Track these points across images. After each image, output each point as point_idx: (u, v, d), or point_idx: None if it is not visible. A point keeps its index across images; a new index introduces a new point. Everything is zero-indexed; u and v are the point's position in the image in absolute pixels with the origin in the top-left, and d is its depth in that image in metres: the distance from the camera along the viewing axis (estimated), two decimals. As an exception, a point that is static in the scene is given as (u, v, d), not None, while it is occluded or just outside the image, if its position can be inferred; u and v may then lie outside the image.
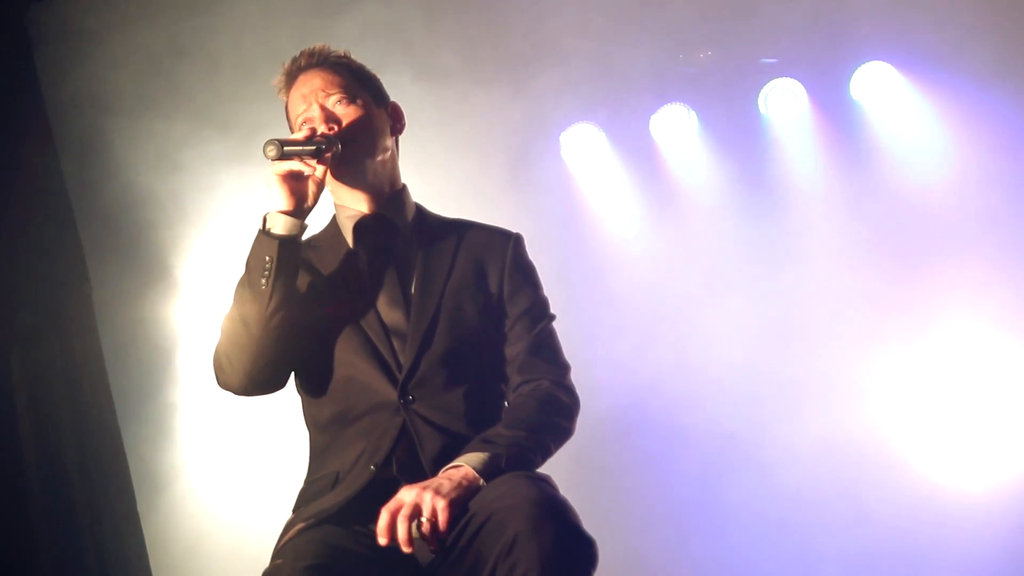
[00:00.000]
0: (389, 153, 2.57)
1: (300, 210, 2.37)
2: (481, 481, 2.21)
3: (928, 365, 4.84)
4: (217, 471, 4.91)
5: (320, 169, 2.39)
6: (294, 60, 2.56)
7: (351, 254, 2.52)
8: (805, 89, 5.03)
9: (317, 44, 2.58)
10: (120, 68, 4.64)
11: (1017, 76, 4.72)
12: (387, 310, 2.45)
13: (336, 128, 2.46)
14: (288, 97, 2.57)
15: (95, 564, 4.31)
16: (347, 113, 2.49)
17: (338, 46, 2.61)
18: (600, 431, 4.68)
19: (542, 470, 2.38)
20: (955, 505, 4.70)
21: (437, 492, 2.15)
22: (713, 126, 5.12)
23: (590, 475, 4.52)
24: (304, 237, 2.45)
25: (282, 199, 2.36)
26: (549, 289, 2.61)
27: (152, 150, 4.71)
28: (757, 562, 4.84)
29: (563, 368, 2.53)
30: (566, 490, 2.26)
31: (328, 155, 2.40)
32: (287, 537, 2.33)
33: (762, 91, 5.06)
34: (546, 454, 2.40)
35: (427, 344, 2.41)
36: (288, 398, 2.67)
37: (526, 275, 2.57)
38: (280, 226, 2.35)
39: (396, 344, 2.42)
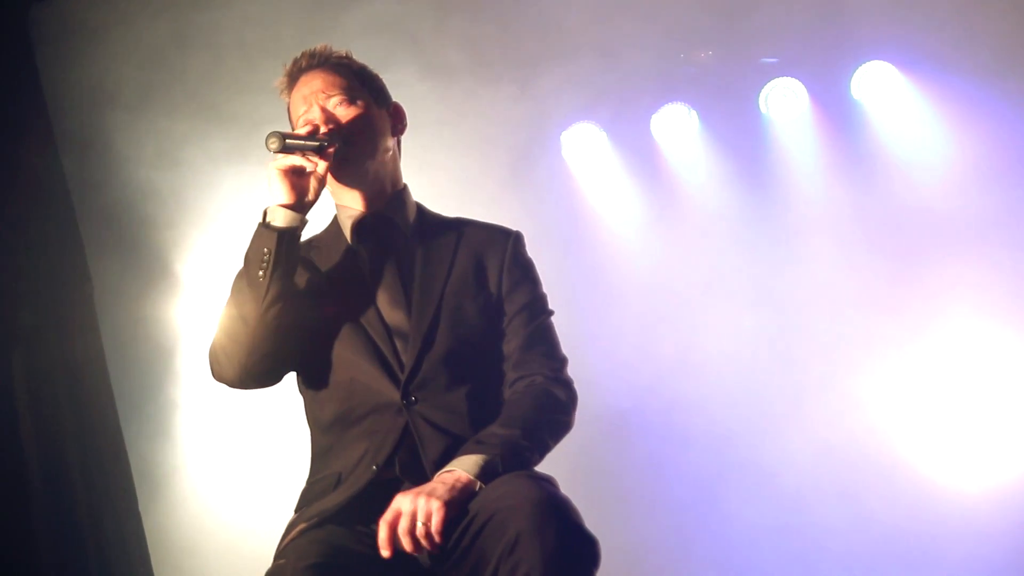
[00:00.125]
0: (390, 153, 2.57)
1: (300, 205, 2.38)
2: (477, 485, 2.21)
3: (930, 366, 4.83)
4: (218, 470, 4.91)
5: (322, 165, 2.39)
6: (295, 61, 2.56)
7: (352, 254, 2.52)
8: (806, 89, 5.03)
9: (318, 45, 2.58)
10: (121, 65, 4.64)
11: (1018, 76, 4.72)
12: (388, 310, 2.45)
13: (336, 128, 2.46)
14: (290, 98, 2.57)
15: (96, 563, 4.32)
16: (347, 114, 2.49)
17: (343, 41, 2.62)
18: (600, 432, 4.69)
19: (542, 468, 2.38)
20: (956, 507, 4.69)
21: (431, 496, 2.15)
22: (714, 126, 5.11)
23: (590, 476, 4.52)
24: (305, 237, 2.46)
25: (283, 193, 2.36)
26: (549, 288, 2.61)
27: (153, 148, 4.71)
28: (758, 563, 4.84)
29: (560, 362, 2.52)
30: (566, 490, 2.26)
31: (330, 151, 2.41)
32: (289, 537, 2.33)
33: (763, 91, 5.06)
34: (544, 450, 2.40)
35: (428, 344, 2.42)
36: (288, 397, 2.68)
37: (525, 272, 2.57)
38: (280, 219, 2.36)
39: (398, 344, 2.42)
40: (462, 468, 2.23)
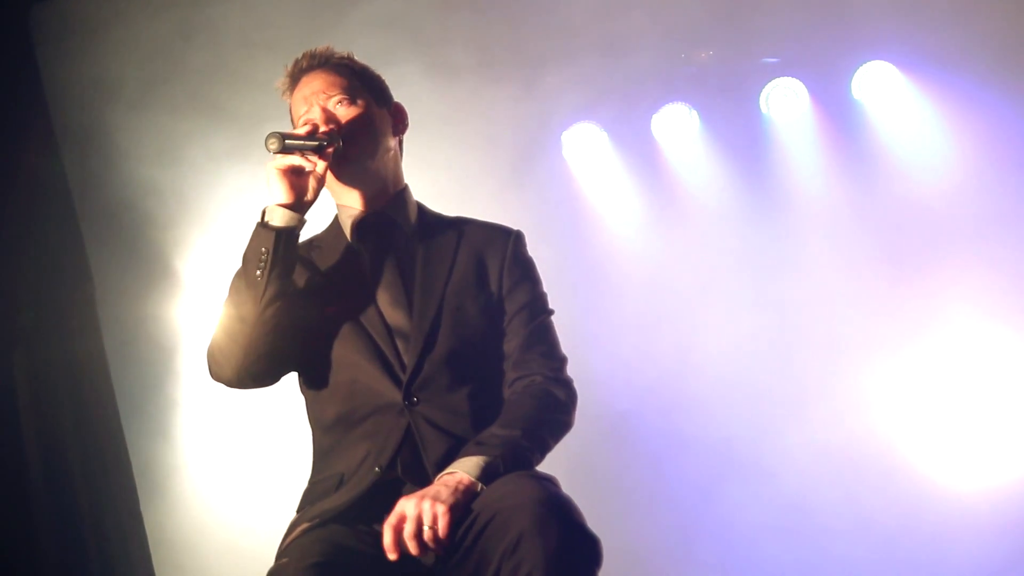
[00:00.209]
0: (391, 153, 2.57)
1: (299, 204, 2.37)
2: (479, 486, 2.21)
3: (931, 366, 4.83)
4: (219, 469, 4.91)
5: (321, 165, 2.39)
6: (296, 62, 2.57)
7: (352, 253, 2.52)
8: (807, 88, 5.03)
9: (320, 46, 2.59)
10: (123, 64, 4.63)
11: (1019, 76, 4.72)
12: (389, 310, 2.45)
13: (337, 128, 2.46)
14: (291, 99, 2.57)
15: (97, 562, 4.32)
16: (348, 114, 2.49)
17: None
18: (600, 432, 4.69)
19: (543, 468, 2.38)
20: (956, 508, 4.69)
21: (435, 500, 2.15)
22: (715, 125, 5.11)
23: (590, 476, 4.52)
24: (305, 237, 2.46)
25: (282, 193, 2.36)
26: (549, 288, 2.61)
27: (155, 146, 4.71)
28: (758, 564, 4.83)
29: (559, 361, 2.52)
30: (566, 490, 2.26)
31: (330, 151, 2.40)
32: (292, 536, 2.33)
33: (764, 90, 5.06)
34: (544, 450, 2.40)
35: (430, 345, 2.42)
36: (289, 396, 2.68)
37: (525, 271, 2.57)
38: (278, 218, 2.35)
39: (399, 345, 2.42)
40: (463, 470, 2.23)
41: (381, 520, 2.25)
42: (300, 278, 2.47)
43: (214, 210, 4.80)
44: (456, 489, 2.19)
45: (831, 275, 4.90)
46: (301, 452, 2.70)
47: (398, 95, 2.65)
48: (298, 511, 2.43)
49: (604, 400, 4.69)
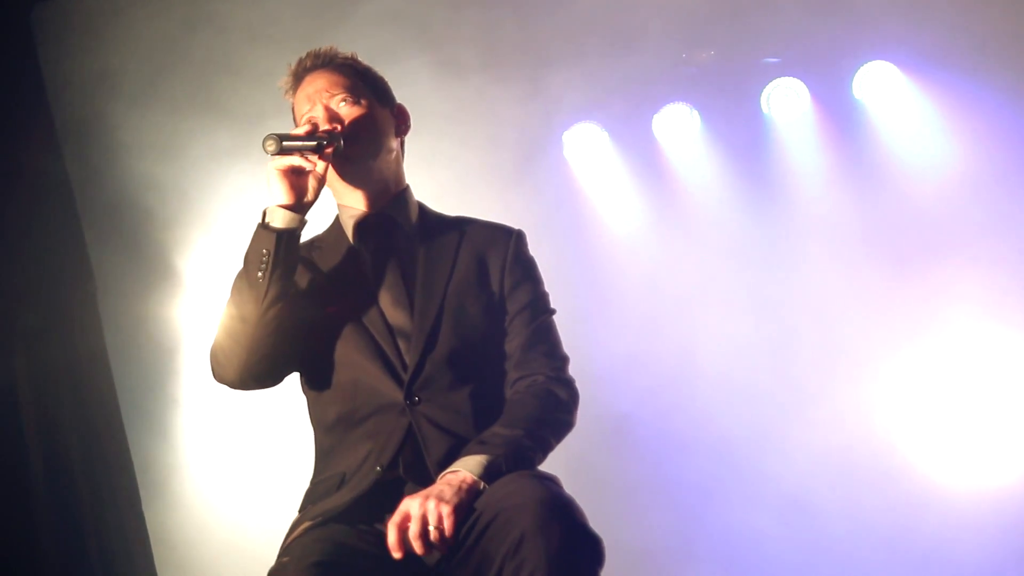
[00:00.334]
0: (393, 154, 2.58)
1: (300, 205, 2.38)
2: (481, 484, 2.21)
3: (933, 367, 4.82)
4: (221, 468, 4.92)
5: (321, 165, 2.39)
6: (300, 61, 2.58)
7: (354, 254, 2.53)
8: (808, 89, 5.03)
9: (324, 46, 2.59)
10: (124, 62, 4.62)
11: (1020, 76, 4.72)
12: (391, 310, 2.45)
13: (339, 127, 2.47)
14: (294, 98, 2.58)
15: (98, 561, 4.33)
16: (351, 113, 2.49)
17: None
18: (600, 432, 4.68)
19: (544, 468, 2.39)
20: (957, 511, 4.67)
21: (440, 499, 2.16)
22: (716, 126, 5.11)
23: (591, 477, 4.51)
24: (307, 237, 2.46)
25: (282, 193, 2.36)
26: (550, 288, 2.61)
27: (156, 145, 4.70)
28: (759, 564, 4.83)
29: (561, 361, 2.53)
30: (567, 490, 2.26)
31: (329, 150, 2.40)
32: (293, 536, 2.33)
33: (765, 91, 5.06)
34: (546, 450, 2.40)
35: (431, 345, 2.42)
36: (290, 396, 2.68)
37: (526, 270, 2.57)
38: (279, 220, 2.36)
39: (401, 344, 2.43)
40: (466, 468, 2.23)
41: (383, 519, 2.26)
42: (302, 279, 2.48)
43: (216, 209, 4.80)
44: (460, 488, 2.19)
45: (832, 275, 4.89)
46: (302, 451, 2.71)
47: (402, 92, 2.66)
48: (300, 511, 2.43)
49: (605, 400, 4.69)
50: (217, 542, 4.81)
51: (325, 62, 2.56)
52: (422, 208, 2.63)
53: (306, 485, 2.49)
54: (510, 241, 2.58)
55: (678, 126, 5.12)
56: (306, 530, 2.31)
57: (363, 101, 2.52)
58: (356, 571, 2.19)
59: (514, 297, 2.53)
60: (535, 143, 5.05)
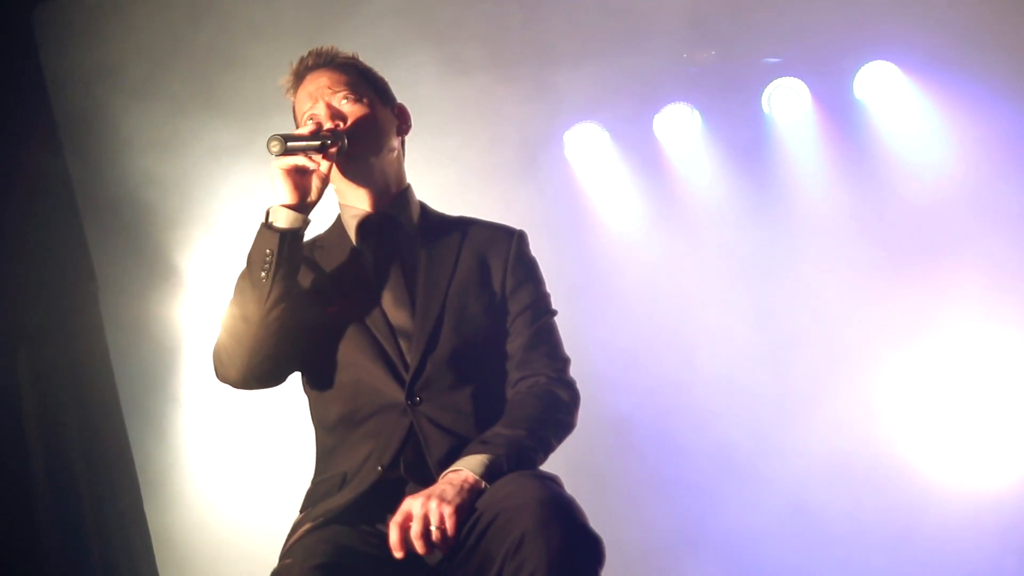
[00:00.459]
0: (395, 154, 2.58)
1: (303, 204, 2.38)
2: (483, 484, 2.22)
3: (935, 367, 4.82)
4: (222, 468, 4.92)
5: (324, 164, 2.39)
6: (302, 60, 2.58)
7: (356, 253, 2.53)
8: (808, 89, 5.03)
9: (325, 45, 2.59)
10: (126, 58, 4.61)
11: (1020, 75, 4.72)
12: (393, 310, 2.46)
13: (342, 125, 2.47)
14: (295, 96, 2.58)
15: (100, 561, 4.33)
16: (353, 111, 2.50)
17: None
18: (601, 432, 4.67)
19: (544, 468, 2.39)
20: (959, 512, 4.67)
21: (442, 499, 2.16)
22: (717, 125, 5.12)
23: (592, 477, 4.50)
24: (308, 237, 2.46)
25: (285, 193, 2.36)
26: (551, 288, 2.61)
27: (158, 145, 4.70)
28: (760, 563, 4.84)
29: (562, 362, 2.53)
30: (567, 490, 2.26)
31: (333, 150, 2.41)
32: (295, 537, 2.33)
33: (766, 91, 5.06)
34: (548, 450, 2.41)
35: (433, 345, 2.42)
36: (291, 396, 2.69)
37: (528, 271, 2.58)
38: (282, 219, 2.36)
39: (403, 344, 2.43)
40: (468, 468, 2.24)
41: (384, 520, 2.26)
42: (304, 278, 2.48)
43: (218, 208, 4.80)
44: (462, 488, 2.19)
45: (832, 275, 4.89)
46: (303, 451, 2.71)
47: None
48: (301, 511, 2.43)
49: (606, 400, 4.70)
50: (218, 541, 4.81)
51: (327, 61, 2.56)
52: (424, 208, 2.63)
53: (307, 484, 2.49)
54: (512, 241, 2.58)
55: (679, 126, 5.12)
56: (308, 531, 2.31)
57: (365, 99, 2.52)
58: (358, 572, 2.20)
59: (516, 298, 2.53)
60: (536, 143, 5.05)
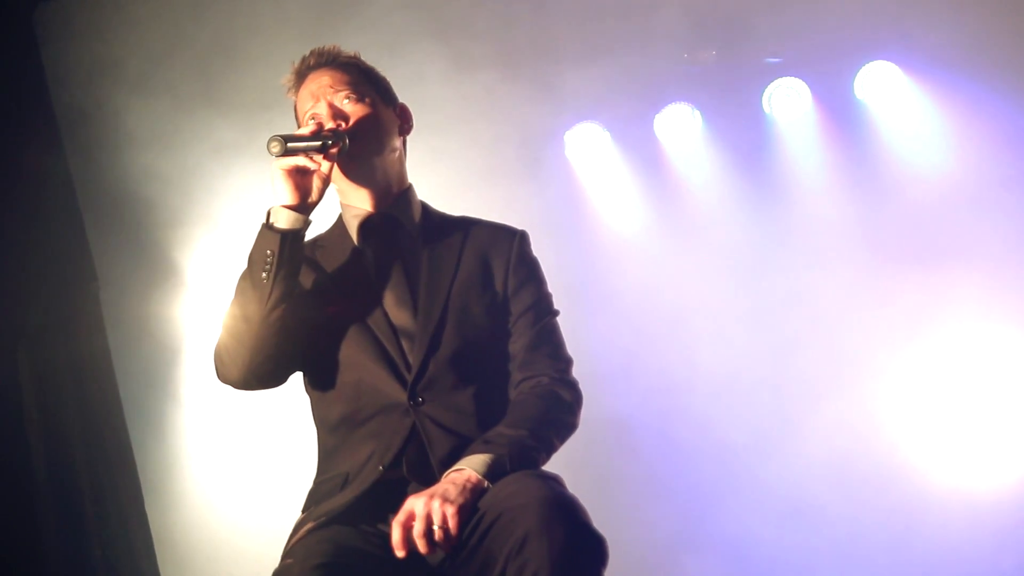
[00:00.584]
0: (396, 154, 2.58)
1: (304, 205, 2.37)
2: (485, 483, 2.22)
3: (935, 368, 4.82)
4: (223, 468, 4.92)
5: (325, 165, 2.39)
6: (303, 59, 2.58)
7: (357, 253, 2.53)
8: (809, 88, 5.04)
9: (328, 45, 2.59)
10: (127, 59, 4.61)
11: (1021, 76, 4.72)
12: (395, 310, 2.45)
13: (343, 125, 2.47)
14: (297, 96, 2.58)
15: (101, 559, 4.33)
16: (355, 111, 2.49)
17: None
18: (601, 432, 4.67)
19: (546, 468, 2.39)
20: (959, 513, 4.68)
21: (445, 499, 2.16)
22: (717, 125, 5.12)
23: (592, 477, 4.50)
24: (310, 236, 2.46)
25: (286, 194, 2.36)
26: (553, 288, 2.61)
27: (160, 145, 4.70)
28: (760, 563, 4.84)
29: (565, 363, 2.53)
30: (569, 490, 2.27)
31: (334, 150, 2.40)
32: (297, 537, 2.33)
33: (766, 90, 5.07)
34: (550, 450, 2.40)
35: (435, 345, 2.42)
36: (293, 396, 2.69)
37: (530, 271, 2.57)
38: (283, 220, 2.36)
39: (405, 345, 2.43)
40: (471, 467, 2.24)
41: (386, 520, 2.26)
42: (305, 279, 2.47)
43: (219, 207, 4.80)
44: (464, 488, 2.19)
45: (832, 275, 4.89)
46: (305, 450, 2.71)
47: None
48: (303, 511, 2.43)
49: (606, 399, 4.69)
50: (219, 540, 4.82)
51: (328, 60, 2.56)
52: (425, 208, 2.63)
53: (308, 484, 2.49)
54: (514, 242, 2.58)
55: (680, 126, 5.12)
56: (309, 531, 2.31)
57: (367, 99, 2.52)
58: (359, 572, 2.20)
59: (518, 298, 2.53)
60: (537, 143, 5.06)
